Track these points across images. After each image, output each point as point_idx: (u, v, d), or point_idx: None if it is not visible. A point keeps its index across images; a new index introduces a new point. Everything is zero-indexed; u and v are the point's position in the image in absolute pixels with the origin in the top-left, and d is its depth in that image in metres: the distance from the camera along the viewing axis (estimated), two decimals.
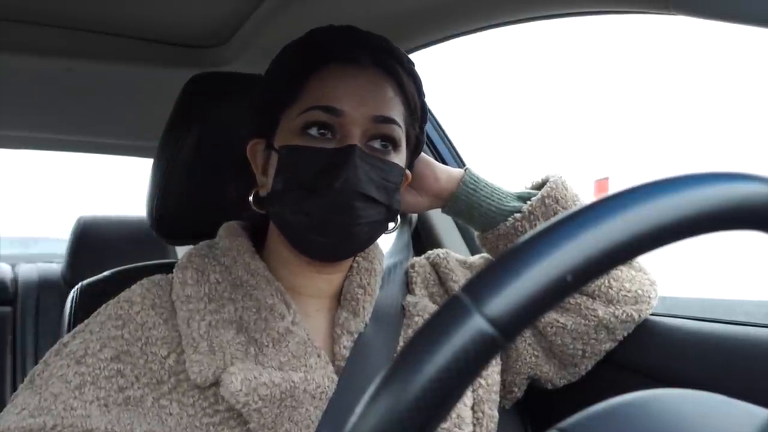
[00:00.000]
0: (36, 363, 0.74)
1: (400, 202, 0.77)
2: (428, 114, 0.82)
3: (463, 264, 0.91)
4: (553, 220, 0.32)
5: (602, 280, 0.84)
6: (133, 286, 0.77)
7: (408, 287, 0.88)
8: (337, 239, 0.73)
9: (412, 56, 1.28)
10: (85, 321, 0.75)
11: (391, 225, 0.80)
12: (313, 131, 0.72)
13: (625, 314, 0.85)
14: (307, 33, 0.79)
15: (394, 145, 0.74)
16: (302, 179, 0.72)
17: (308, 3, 1.08)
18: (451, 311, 0.30)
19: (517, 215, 0.85)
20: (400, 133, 0.75)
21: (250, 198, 0.79)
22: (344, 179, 0.70)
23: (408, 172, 0.81)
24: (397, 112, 0.75)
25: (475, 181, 0.87)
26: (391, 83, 0.75)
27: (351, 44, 0.76)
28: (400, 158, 0.76)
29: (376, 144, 0.73)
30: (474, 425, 0.80)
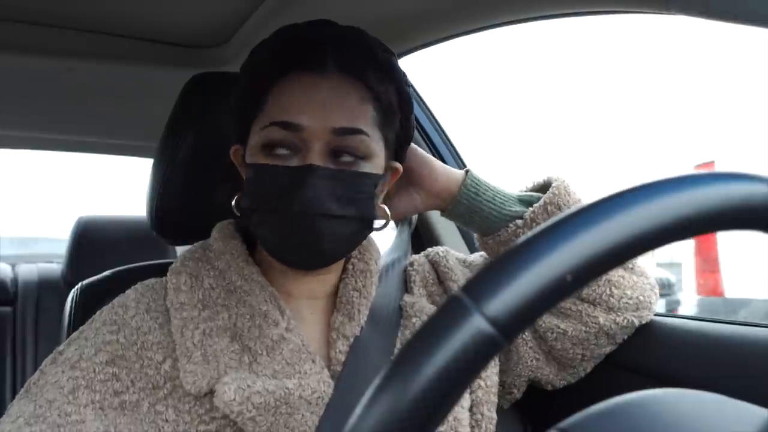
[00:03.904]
0: (36, 363, 0.74)
1: (374, 208, 0.74)
2: (413, 103, 0.79)
3: (463, 263, 0.91)
4: (553, 219, 0.32)
5: (604, 288, 0.83)
6: (127, 291, 0.77)
7: (406, 286, 0.87)
8: (306, 254, 0.73)
9: (412, 56, 1.29)
10: (80, 328, 0.75)
11: (379, 223, 0.79)
12: (276, 149, 0.71)
13: (626, 320, 0.84)
14: (274, 33, 0.76)
15: (363, 156, 0.71)
16: (265, 199, 0.71)
17: (308, 3, 1.08)
18: (450, 311, 0.30)
19: (519, 222, 0.83)
20: (369, 142, 0.71)
21: (233, 203, 0.77)
22: (302, 202, 0.68)
23: (398, 166, 0.79)
24: (365, 119, 0.71)
25: (476, 184, 0.84)
26: (358, 89, 0.72)
27: (315, 48, 0.72)
28: (371, 166, 0.73)
29: (343, 156, 0.71)
30: (473, 427, 0.80)
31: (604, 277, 0.82)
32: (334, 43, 0.73)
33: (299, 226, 0.70)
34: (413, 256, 0.92)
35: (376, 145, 0.73)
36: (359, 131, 0.71)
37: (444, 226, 1.29)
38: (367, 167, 0.72)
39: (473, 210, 0.85)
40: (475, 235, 0.91)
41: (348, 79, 0.72)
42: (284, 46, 0.74)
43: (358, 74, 0.72)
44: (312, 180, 0.68)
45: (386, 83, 0.74)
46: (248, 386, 0.68)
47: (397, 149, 0.79)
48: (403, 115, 0.77)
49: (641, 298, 0.85)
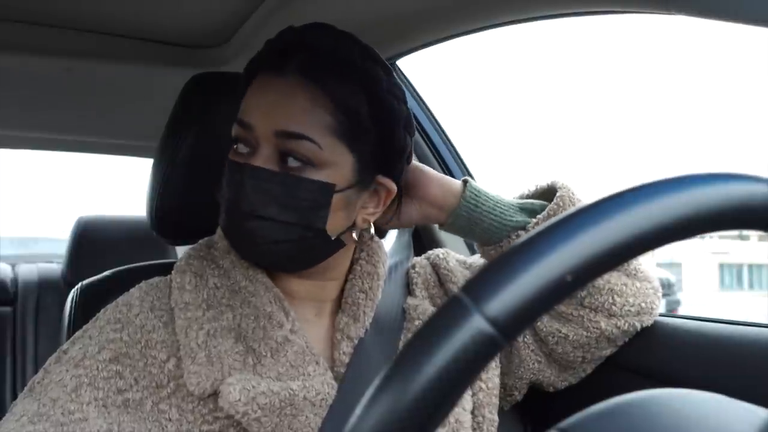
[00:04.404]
0: (36, 363, 0.74)
1: (324, 218, 0.71)
2: (400, 117, 0.75)
3: (463, 264, 0.91)
4: (554, 219, 0.32)
5: (606, 297, 0.82)
6: (132, 290, 0.77)
7: (408, 288, 0.87)
8: (247, 252, 0.74)
9: (412, 56, 1.29)
10: (84, 327, 0.75)
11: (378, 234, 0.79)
12: (238, 145, 0.72)
13: (627, 324, 0.84)
14: (276, 35, 0.76)
15: (311, 162, 0.69)
16: (223, 193, 0.73)
17: (308, 3, 1.09)
18: (450, 311, 0.30)
19: (521, 233, 0.82)
20: (316, 150, 0.69)
21: None
22: (231, 200, 0.70)
23: (387, 182, 0.75)
24: (315, 126, 0.69)
25: (476, 195, 0.82)
26: (311, 92, 0.69)
27: (282, 50, 0.72)
28: (326, 175, 0.70)
29: (290, 161, 0.69)
30: (474, 429, 0.80)
31: (606, 286, 0.82)
32: (306, 47, 0.72)
33: (232, 223, 0.72)
34: (414, 258, 0.92)
35: (331, 154, 0.70)
36: (303, 137, 0.69)
37: None
38: (317, 175, 0.70)
39: (474, 222, 0.82)
40: (476, 244, 0.90)
41: (303, 82, 0.70)
42: (266, 47, 0.75)
43: (315, 78, 0.70)
44: (244, 179, 0.69)
45: (355, 92, 0.71)
46: (253, 387, 0.68)
47: (383, 165, 0.75)
48: (383, 128, 0.73)
49: (643, 304, 0.84)
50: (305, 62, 0.70)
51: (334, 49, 0.72)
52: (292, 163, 0.69)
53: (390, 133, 0.74)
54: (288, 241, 0.71)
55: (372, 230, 0.79)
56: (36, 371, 0.73)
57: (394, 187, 0.77)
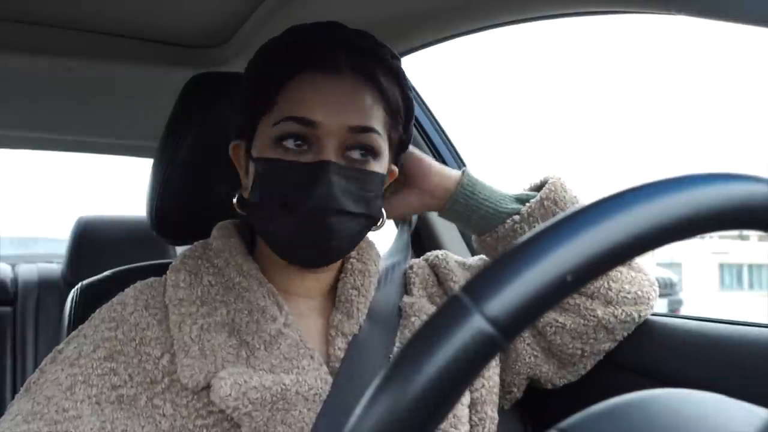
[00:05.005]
0: (36, 363, 0.75)
1: (381, 207, 0.77)
2: (413, 108, 0.81)
3: (462, 265, 0.91)
4: (554, 219, 0.32)
5: (601, 282, 0.83)
6: (126, 290, 0.78)
7: (406, 288, 0.87)
8: (315, 250, 0.74)
9: (412, 56, 1.29)
10: (80, 327, 0.75)
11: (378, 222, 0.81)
12: (289, 143, 0.72)
13: (624, 314, 0.84)
14: (285, 32, 0.77)
15: (374, 153, 0.74)
16: (277, 194, 0.72)
17: (308, 3, 1.09)
18: (451, 310, 0.30)
19: (516, 217, 0.84)
20: (380, 141, 0.74)
21: (234, 200, 0.78)
22: (318, 197, 0.70)
23: (395, 168, 0.82)
24: (376, 119, 0.74)
25: (472, 183, 0.86)
26: (370, 90, 0.74)
27: (328, 48, 0.74)
28: (379, 165, 0.75)
29: (355, 154, 0.73)
30: (475, 426, 0.80)
31: None
32: (346, 45, 0.75)
33: (313, 221, 0.71)
34: (413, 259, 0.93)
35: (385, 145, 0.76)
36: (373, 129, 0.73)
37: (444, 227, 1.29)
38: (376, 166, 0.74)
39: (470, 208, 0.85)
40: (473, 237, 0.91)
41: (360, 79, 0.74)
42: (298, 45, 0.75)
43: (370, 76, 0.74)
44: (327, 176, 0.70)
45: (394, 87, 0.77)
46: (245, 381, 0.68)
47: (397, 153, 0.81)
48: (406, 121, 0.79)
49: (639, 293, 0.85)
50: (352, 60, 0.74)
51: (368, 45, 0.77)
52: (356, 156, 0.73)
53: (408, 126, 0.80)
54: (356, 233, 0.75)
55: (385, 215, 0.81)
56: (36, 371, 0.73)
57: (397, 171, 0.83)
